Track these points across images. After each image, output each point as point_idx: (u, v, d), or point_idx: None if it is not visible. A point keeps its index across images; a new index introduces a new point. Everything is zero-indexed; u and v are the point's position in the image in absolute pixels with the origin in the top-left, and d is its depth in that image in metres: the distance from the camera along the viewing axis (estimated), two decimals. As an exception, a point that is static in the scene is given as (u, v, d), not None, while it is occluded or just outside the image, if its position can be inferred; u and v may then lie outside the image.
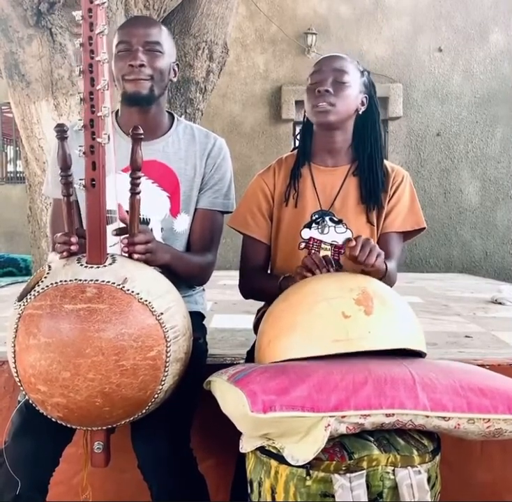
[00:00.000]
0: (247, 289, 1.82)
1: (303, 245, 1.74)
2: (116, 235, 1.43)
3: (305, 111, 1.77)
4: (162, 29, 1.70)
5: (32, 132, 3.54)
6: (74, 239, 1.36)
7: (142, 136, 1.34)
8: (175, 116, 1.83)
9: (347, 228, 1.73)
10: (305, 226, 1.74)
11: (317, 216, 1.74)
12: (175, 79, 1.77)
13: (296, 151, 1.83)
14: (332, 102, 1.64)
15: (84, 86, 1.26)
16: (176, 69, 1.76)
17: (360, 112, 1.72)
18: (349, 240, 1.44)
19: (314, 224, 1.74)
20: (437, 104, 7.80)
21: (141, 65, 1.62)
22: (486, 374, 1.35)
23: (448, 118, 7.80)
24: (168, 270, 1.57)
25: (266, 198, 1.79)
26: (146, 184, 1.68)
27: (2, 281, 4.97)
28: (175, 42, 3.83)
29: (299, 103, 7.39)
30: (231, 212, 1.84)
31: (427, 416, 1.18)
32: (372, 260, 1.42)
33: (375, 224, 1.73)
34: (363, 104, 1.72)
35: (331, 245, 1.72)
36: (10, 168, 9.53)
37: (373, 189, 1.71)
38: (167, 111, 1.83)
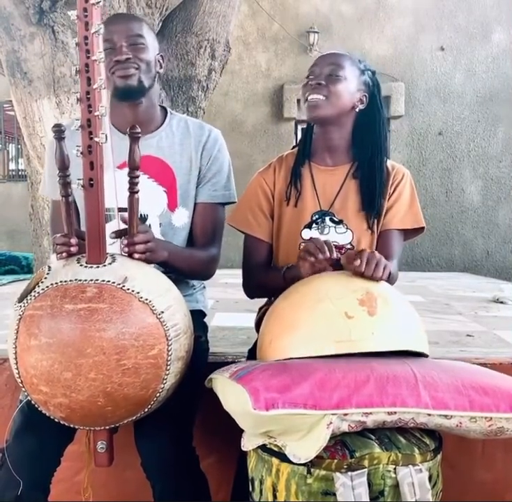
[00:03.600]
0: (251, 286, 1.81)
1: (303, 245, 1.73)
2: (115, 237, 1.43)
3: None
4: (143, 23, 1.70)
5: (34, 130, 3.54)
6: (73, 240, 1.35)
7: (140, 135, 1.34)
8: (168, 109, 1.82)
9: (347, 228, 1.72)
10: (305, 227, 1.74)
11: (317, 216, 1.73)
12: (162, 71, 1.76)
13: (296, 149, 1.82)
14: (324, 94, 1.63)
15: (81, 85, 1.26)
16: (162, 61, 1.75)
17: (357, 110, 1.70)
18: (353, 258, 1.42)
19: (314, 225, 1.73)
20: (439, 103, 7.79)
21: (127, 59, 1.62)
22: (488, 372, 1.35)
23: (450, 117, 7.80)
24: (169, 268, 1.57)
25: (266, 196, 1.78)
26: (142, 180, 1.67)
27: (4, 279, 4.98)
28: (177, 41, 3.82)
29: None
30: (232, 202, 1.83)
31: (429, 414, 1.18)
32: (379, 274, 1.41)
33: (376, 232, 1.73)
34: (361, 102, 1.70)
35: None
36: (12, 166, 9.54)
37: (372, 198, 1.70)
38: (160, 106, 1.82)
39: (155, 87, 1.74)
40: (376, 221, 1.72)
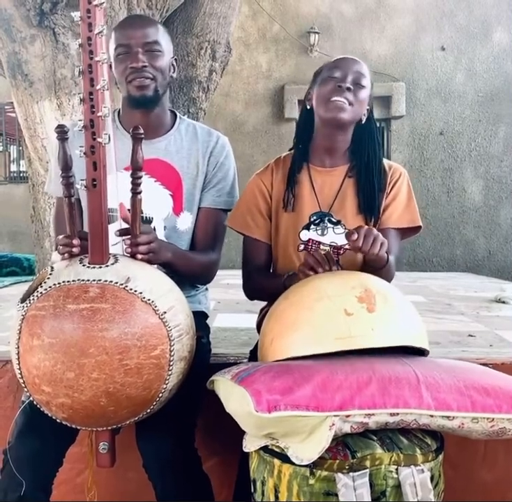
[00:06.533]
0: (252, 290, 1.82)
1: (301, 246, 1.73)
2: (120, 236, 1.43)
3: (303, 108, 1.77)
4: (159, 27, 1.69)
5: (35, 132, 3.54)
6: (76, 241, 1.36)
7: (143, 136, 1.35)
8: (177, 114, 1.83)
9: (345, 229, 1.72)
10: (303, 228, 1.74)
11: (315, 217, 1.73)
12: (175, 75, 1.76)
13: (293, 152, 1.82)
14: (351, 101, 1.62)
15: (84, 86, 1.26)
16: (175, 64, 1.76)
17: (363, 122, 1.70)
18: (351, 233, 1.43)
19: (312, 226, 1.73)
20: (440, 103, 7.79)
21: (144, 67, 1.62)
22: (489, 373, 1.35)
23: (451, 116, 7.79)
24: (170, 269, 1.57)
25: (264, 198, 1.78)
26: (148, 182, 1.68)
27: (5, 280, 4.98)
28: (178, 42, 3.82)
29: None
30: None
31: (432, 415, 1.18)
32: (377, 249, 1.43)
33: None
34: (365, 115, 1.71)
35: (330, 246, 1.72)
36: (13, 168, 9.57)
37: (371, 200, 1.70)
38: (170, 110, 1.82)
39: (167, 92, 1.75)
40: (374, 222, 1.72)
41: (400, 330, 1.37)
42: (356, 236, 1.41)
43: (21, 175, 8.85)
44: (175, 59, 1.76)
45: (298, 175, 1.74)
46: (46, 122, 3.45)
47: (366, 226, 1.46)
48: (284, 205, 1.74)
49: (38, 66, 3.38)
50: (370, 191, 1.70)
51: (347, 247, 1.70)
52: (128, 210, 1.41)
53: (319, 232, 1.72)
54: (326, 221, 1.72)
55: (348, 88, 1.61)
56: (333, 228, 1.72)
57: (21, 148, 8.07)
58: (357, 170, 1.73)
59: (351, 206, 1.72)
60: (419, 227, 1.77)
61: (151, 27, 1.66)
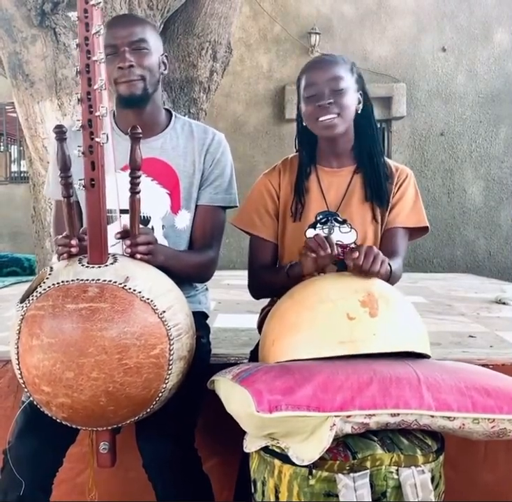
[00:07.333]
0: (258, 288, 1.82)
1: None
2: (120, 238, 1.43)
3: (300, 119, 1.76)
4: (146, 25, 1.69)
5: (36, 132, 3.54)
6: (74, 241, 1.36)
7: (141, 135, 1.35)
8: (173, 112, 1.82)
9: (351, 228, 1.73)
10: (309, 227, 1.74)
11: (321, 216, 1.74)
12: (166, 72, 1.75)
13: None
14: (336, 112, 1.62)
15: (82, 86, 1.26)
16: (166, 61, 1.74)
17: (359, 111, 1.70)
18: (351, 251, 1.43)
19: (318, 225, 1.74)
20: (441, 104, 7.79)
21: (131, 66, 1.62)
22: (490, 374, 1.35)
23: (452, 117, 7.79)
24: (165, 271, 1.57)
25: (271, 198, 1.79)
26: (145, 182, 1.68)
27: (6, 280, 4.98)
28: (178, 42, 3.80)
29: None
30: (233, 206, 1.83)
31: (432, 416, 1.18)
32: (377, 268, 1.42)
33: (380, 222, 1.73)
34: (359, 102, 1.70)
35: (336, 245, 1.72)
36: (14, 168, 9.57)
37: (377, 186, 1.71)
38: (165, 108, 1.82)
39: (158, 90, 1.74)
40: (380, 213, 1.73)
41: (402, 335, 1.37)
42: (356, 254, 1.41)
43: (22, 175, 8.85)
44: (166, 56, 1.75)
45: (306, 182, 1.75)
46: (47, 122, 3.45)
47: (367, 245, 1.46)
48: (292, 214, 1.75)
49: (39, 66, 3.38)
50: (377, 178, 1.71)
51: (352, 246, 1.70)
52: (126, 210, 1.40)
53: (326, 231, 1.73)
54: (332, 220, 1.73)
55: (329, 103, 1.61)
56: (338, 227, 1.73)
57: (22, 148, 8.08)
58: (362, 164, 1.74)
59: (358, 198, 1.73)
60: (426, 228, 1.77)
61: (137, 26, 1.66)
